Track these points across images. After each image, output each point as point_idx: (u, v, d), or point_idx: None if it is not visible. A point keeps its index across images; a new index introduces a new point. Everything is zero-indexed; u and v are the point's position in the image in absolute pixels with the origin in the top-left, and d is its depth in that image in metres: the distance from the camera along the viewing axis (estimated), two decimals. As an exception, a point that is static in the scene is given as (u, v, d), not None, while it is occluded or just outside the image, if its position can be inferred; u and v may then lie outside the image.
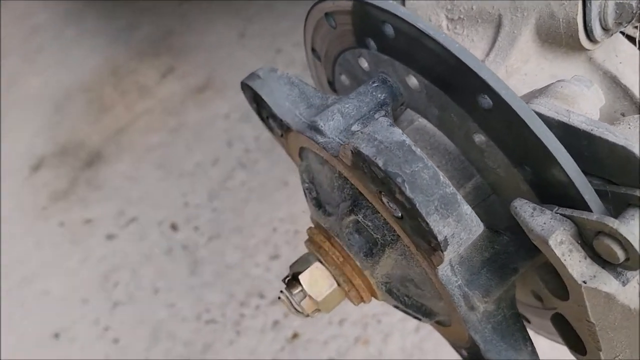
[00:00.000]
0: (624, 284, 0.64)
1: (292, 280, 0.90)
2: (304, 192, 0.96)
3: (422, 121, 0.86)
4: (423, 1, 0.91)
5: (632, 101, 0.83)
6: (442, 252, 0.69)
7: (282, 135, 0.94)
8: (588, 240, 0.65)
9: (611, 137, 0.65)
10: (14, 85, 2.75)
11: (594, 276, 0.65)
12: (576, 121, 0.68)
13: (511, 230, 0.78)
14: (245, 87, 0.94)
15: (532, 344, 0.83)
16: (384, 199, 0.72)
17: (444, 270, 0.75)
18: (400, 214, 0.71)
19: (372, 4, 0.78)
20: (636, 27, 0.86)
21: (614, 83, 0.83)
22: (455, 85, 0.74)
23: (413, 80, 0.80)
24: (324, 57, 0.99)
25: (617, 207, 0.67)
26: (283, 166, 2.24)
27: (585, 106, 0.73)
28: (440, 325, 0.94)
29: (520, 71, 0.84)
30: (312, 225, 0.96)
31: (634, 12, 0.79)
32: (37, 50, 2.88)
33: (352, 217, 0.83)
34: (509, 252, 0.78)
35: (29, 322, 2.06)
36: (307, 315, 0.91)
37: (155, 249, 2.15)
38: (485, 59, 0.86)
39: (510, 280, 0.78)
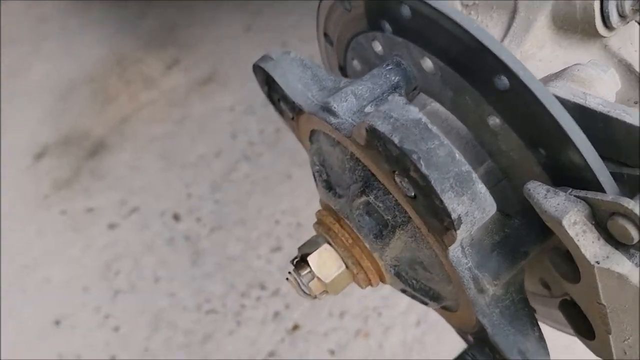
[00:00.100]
0: (637, 265, 0.64)
1: (301, 262, 0.89)
2: (314, 175, 0.95)
3: (435, 105, 0.86)
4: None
5: (647, 89, 0.84)
6: (455, 230, 0.68)
7: (292, 119, 0.94)
8: (602, 222, 0.65)
9: (628, 119, 0.65)
10: (19, 74, 2.75)
11: (607, 257, 0.65)
12: (593, 103, 0.68)
13: (522, 215, 0.79)
14: (258, 69, 0.94)
15: (539, 329, 0.83)
16: (397, 179, 0.72)
17: (454, 251, 0.75)
18: (413, 194, 0.71)
19: (390, -15, 0.78)
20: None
21: (628, 71, 0.83)
22: (471, 66, 0.73)
23: (428, 63, 0.80)
24: (336, 41, 0.99)
25: (632, 189, 0.67)
26: (287, 159, 2.25)
27: (602, 90, 0.73)
28: (447, 310, 0.94)
29: (535, 57, 0.84)
30: (321, 208, 0.96)
31: (652, -1, 0.80)
32: (43, 39, 2.88)
33: (363, 199, 0.83)
34: (520, 235, 0.78)
35: (30, 309, 2.05)
36: (315, 297, 0.91)
37: (157, 239, 2.15)
38: (500, 44, 0.86)
39: (520, 264, 0.79)
